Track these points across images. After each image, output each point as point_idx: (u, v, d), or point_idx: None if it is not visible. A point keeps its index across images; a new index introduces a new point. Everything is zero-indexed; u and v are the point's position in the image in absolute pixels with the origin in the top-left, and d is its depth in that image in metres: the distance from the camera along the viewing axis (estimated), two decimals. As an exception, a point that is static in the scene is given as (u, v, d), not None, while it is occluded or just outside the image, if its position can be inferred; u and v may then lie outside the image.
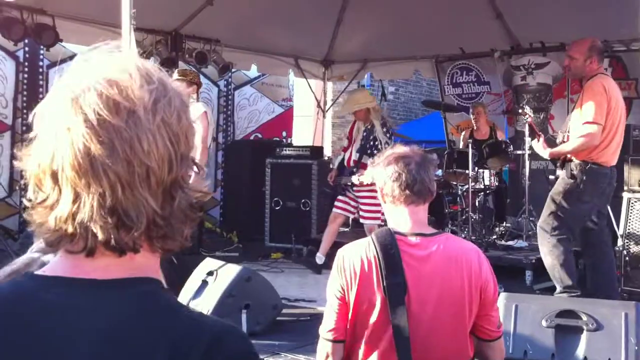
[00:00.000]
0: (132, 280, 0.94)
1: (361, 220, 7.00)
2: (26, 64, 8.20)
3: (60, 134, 0.89)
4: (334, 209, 7.15)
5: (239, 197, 9.32)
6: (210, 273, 4.95)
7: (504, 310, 3.57)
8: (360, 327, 2.40)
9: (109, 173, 0.88)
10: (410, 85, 14.93)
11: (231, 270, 4.90)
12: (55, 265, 0.96)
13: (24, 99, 8.14)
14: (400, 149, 2.56)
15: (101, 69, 0.92)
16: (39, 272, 0.96)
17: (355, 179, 6.60)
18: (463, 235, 7.37)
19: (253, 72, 10.13)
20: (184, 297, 4.89)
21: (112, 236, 0.90)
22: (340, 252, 2.49)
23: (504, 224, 7.83)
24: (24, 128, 7.92)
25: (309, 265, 7.15)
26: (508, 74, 9.01)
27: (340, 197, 7.09)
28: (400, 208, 2.47)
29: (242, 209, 9.09)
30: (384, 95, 10.01)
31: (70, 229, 0.90)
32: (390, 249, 2.36)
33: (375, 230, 2.51)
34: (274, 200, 8.28)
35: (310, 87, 10.08)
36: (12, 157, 6.97)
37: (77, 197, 0.89)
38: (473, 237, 7.27)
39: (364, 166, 6.63)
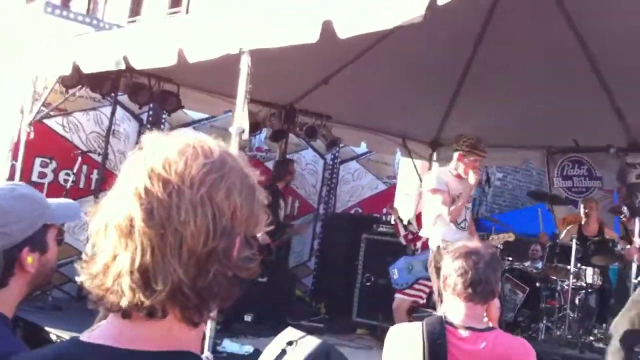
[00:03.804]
0: (170, 354, 0.98)
1: None
2: (148, 126, 8.73)
3: (115, 199, 0.99)
4: (401, 295, 7.09)
5: (332, 268, 9.34)
6: (290, 343, 4.96)
7: None
8: None
9: (143, 237, 0.95)
10: (519, 173, 14.63)
11: (311, 343, 4.89)
12: (101, 331, 1.02)
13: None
14: (473, 243, 2.57)
15: (162, 147, 1.01)
16: (84, 337, 1.02)
17: None
18: (559, 333, 7.05)
19: (361, 148, 10.30)
20: None
21: (137, 296, 0.95)
22: (389, 335, 2.55)
23: (604, 326, 7.39)
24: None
25: None
26: (623, 171, 8.66)
27: (414, 285, 7.10)
28: (458, 301, 2.47)
29: (334, 280, 9.09)
30: (487, 182, 9.88)
31: (107, 283, 0.97)
32: (438, 339, 2.37)
33: (427, 318, 2.54)
34: (365, 276, 8.25)
35: (415, 167, 10.11)
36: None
37: (115, 255, 0.97)
38: (569, 337, 6.95)
39: None
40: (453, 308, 2.49)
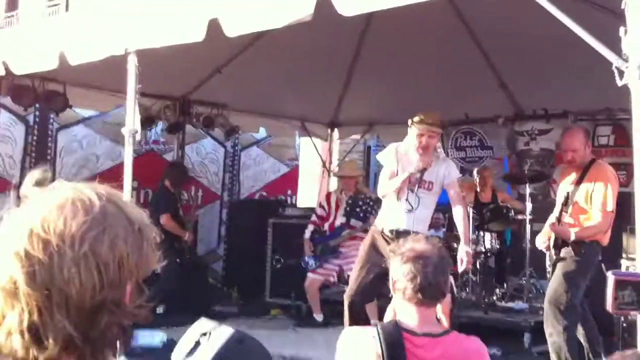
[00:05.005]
0: None
1: None
2: (36, 127, 8.37)
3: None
4: (313, 275, 7.45)
5: (241, 253, 9.33)
6: (203, 334, 4.92)
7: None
8: None
9: (28, 298, 0.95)
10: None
11: (224, 332, 4.87)
12: None
13: (32, 160, 8.28)
14: (421, 244, 2.46)
15: (40, 205, 1.00)
16: None
17: None
18: (464, 295, 7.38)
19: (260, 133, 10.27)
20: (176, 356, 4.87)
21: (29, 352, 0.96)
22: (343, 339, 2.45)
23: (505, 285, 7.75)
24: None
25: (307, 323, 7.38)
26: (511, 139, 9.10)
27: (324, 265, 7.42)
28: (409, 305, 2.40)
29: (244, 265, 9.12)
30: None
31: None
32: (397, 349, 2.29)
33: (382, 324, 2.44)
34: (274, 258, 8.42)
35: (316, 148, 10.18)
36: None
37: (3, 314, 0.97)
38: (473, 298, 7.30)
39: (352, 227, 7.26)
40: (405, 312, 2.42)
